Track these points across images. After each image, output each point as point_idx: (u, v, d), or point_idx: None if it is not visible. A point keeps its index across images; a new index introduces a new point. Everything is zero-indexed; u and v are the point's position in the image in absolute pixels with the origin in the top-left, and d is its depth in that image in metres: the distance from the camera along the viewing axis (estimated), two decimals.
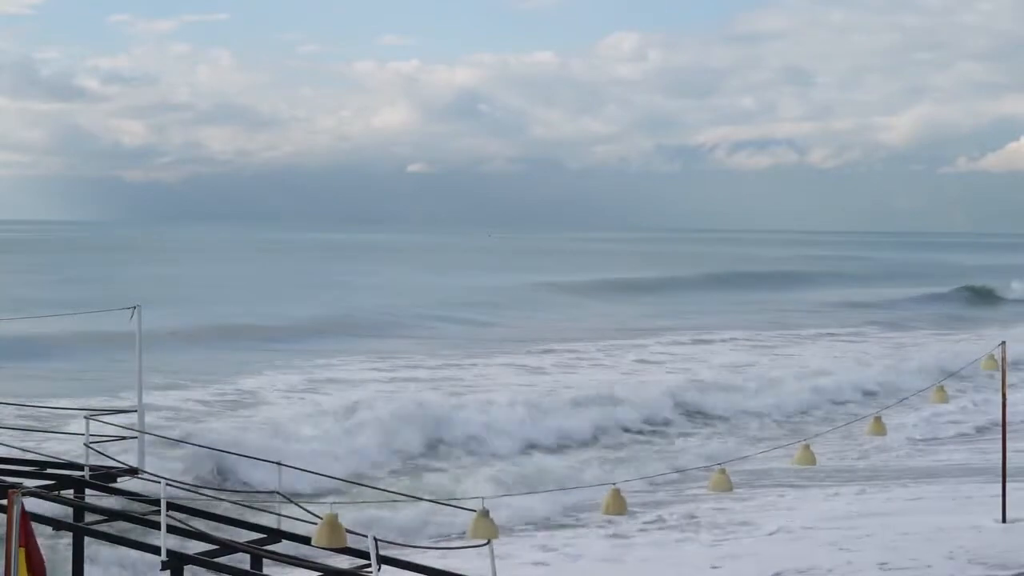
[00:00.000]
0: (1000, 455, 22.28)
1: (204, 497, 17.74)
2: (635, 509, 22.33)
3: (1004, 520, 21.62)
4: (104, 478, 18.33)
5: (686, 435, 33.44)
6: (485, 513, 13.59)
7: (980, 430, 33.86)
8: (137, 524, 16.99)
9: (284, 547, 16.41)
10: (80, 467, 18.59)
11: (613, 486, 15.23)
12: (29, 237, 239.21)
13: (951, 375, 31.37)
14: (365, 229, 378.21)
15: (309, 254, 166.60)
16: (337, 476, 23.46)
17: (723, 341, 57.74)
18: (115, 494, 18.28)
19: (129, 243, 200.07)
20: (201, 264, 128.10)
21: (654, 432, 33.79)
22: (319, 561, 16.02)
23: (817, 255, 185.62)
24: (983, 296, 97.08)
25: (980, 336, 59.94)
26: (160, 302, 66.16)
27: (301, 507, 16.35)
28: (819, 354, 51.69)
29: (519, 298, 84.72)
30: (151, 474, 18.81)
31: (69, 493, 17.93)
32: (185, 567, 15.31)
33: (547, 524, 22.88)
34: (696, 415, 36.04)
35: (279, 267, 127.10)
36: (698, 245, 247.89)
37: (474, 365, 46.12)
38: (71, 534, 17.18)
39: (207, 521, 17.15)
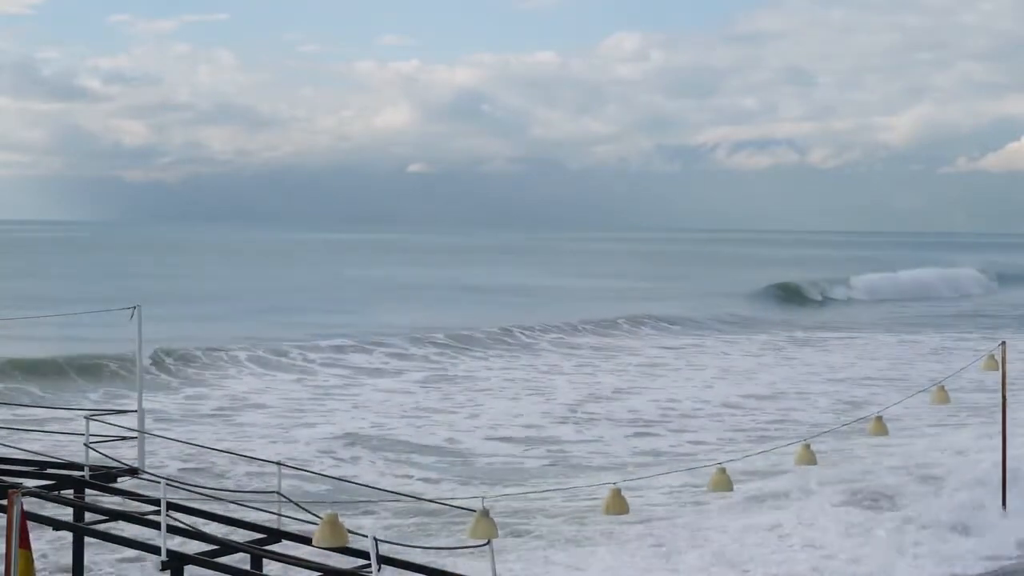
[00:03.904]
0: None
1: (204, 497, 17.72)
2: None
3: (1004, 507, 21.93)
4: (104, 478, 18.30)
5: None
6: (485, 513, 13.56)
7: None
8: (137, 524, 16.97)
9: (284, 547, 16.39)
10: (80, 467, 18.56)
11: (613, 486, 15.20)
12: (30, 237, 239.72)
13: (952, 375, 31.20)
14: (372, 229, 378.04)
15: (358, 256, 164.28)
16: (336, 476, 23.48)
17: None
18: (115, 494, 18.26)
19: (174, 245, 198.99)
20: (267, 268, 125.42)
21: None
22: (319, 561, 16.00)
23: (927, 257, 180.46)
24: None
25: None
26: (331, 310, 65.60)
27: (301, 507, 16.34)
28: None
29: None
30: (151, 474, 18.81)
31: (69, 493, 17.90)
32: (185, 567, 15.29)
33: None
34: None
35: (357, 270, 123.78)
36: (771, 248, 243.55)
37: None
38: (71, 534, 17.16)
39: (207, 521, 17.14)
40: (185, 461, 27.14)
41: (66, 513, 17.62)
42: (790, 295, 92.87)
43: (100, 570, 18.88)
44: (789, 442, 23.35)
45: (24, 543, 9.29)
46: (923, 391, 24.99)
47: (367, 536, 14.05)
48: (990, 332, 63.77)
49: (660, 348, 55.84)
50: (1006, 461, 22.25)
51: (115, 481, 18.39)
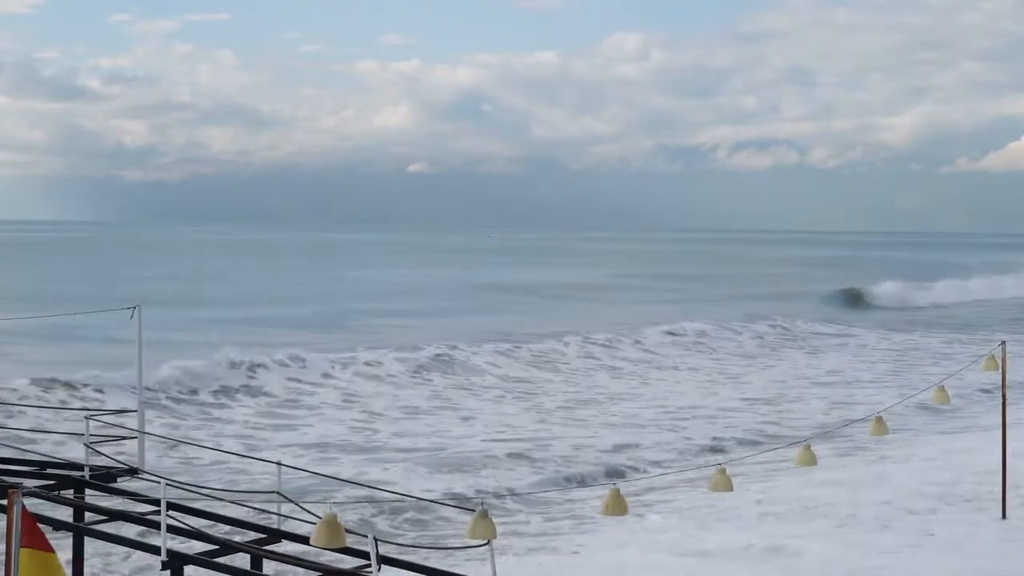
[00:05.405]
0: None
1: (204, 497, 17.72)
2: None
3: (1004, 516, 21.88)
4: (104, 478, 18.31)
5: None
6: (485, 513, 13.57)
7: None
8: (137, 524, 16.98)
9: (284, 547, 16.40)
10: (80, 467, 18.58)
11: (613, 485, 15.21)
12: (30, 237, 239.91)
13: (952, 375, 31.21)
14: (372, 229, 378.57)
15: (358, 256, 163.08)
16: (336, 476, 23.47)
17: None
18: (115, 494, 18.27)
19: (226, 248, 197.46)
20: (266, 269, 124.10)
21: None
22: (319, 561, 16.01)
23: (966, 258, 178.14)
24: None
25: None
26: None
27: (301, 507, 16.34)
28: None
29: None
30: (151, 474, 18.81)
31: (69, 493, 17.91)
32: (185, 567, 15.30)
33: None
34: None
35: (357, 270, 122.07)
36: (772, 248, 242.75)
37: None
38: (71, 534, 17.17)
39: (207, 521, 17.15)
40: (179, 462, 27.17)
41: (66, 513, 17.63)
42: (792, 296, 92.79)
43: (100, 570, 18.89)
44: (790, 443, 23.38)
45: (39, 543, 9.27)
46: (923, 391, 25.01)
47: (367, 536, 14.06)
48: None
49: (660, 348, 55.84)
50: (1006, 464, 22.18)
51: (115, 481, 18.40)
